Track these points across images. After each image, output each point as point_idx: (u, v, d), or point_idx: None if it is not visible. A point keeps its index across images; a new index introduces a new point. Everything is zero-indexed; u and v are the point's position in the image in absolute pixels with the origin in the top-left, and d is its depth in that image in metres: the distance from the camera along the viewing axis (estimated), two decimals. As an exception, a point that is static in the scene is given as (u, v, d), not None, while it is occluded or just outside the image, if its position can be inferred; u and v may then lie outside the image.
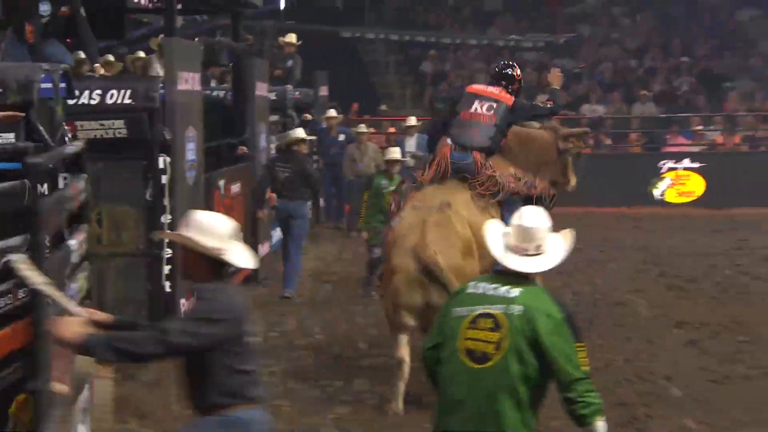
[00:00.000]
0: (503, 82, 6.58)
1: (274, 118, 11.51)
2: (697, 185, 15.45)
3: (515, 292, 3.32)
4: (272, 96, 11.18)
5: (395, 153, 9.67)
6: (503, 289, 3.34)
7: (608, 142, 17.06)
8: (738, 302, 8.75)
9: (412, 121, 14.10)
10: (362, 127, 13.10)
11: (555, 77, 7.01)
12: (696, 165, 15.45)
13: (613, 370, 6.72)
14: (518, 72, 6.67)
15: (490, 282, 3.42)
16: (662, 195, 15.61)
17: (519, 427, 3.26)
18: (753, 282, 9.62)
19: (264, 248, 10.17)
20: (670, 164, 15.61)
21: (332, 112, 12.96)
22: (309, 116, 12.93)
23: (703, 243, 12.12)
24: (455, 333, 3.36)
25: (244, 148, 9.82)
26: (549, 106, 6.77)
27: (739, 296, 9.01)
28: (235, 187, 9.25)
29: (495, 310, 3.31)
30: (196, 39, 8.75)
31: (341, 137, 13.49)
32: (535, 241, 3.39)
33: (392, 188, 9.32)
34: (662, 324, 7.96)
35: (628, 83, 18.79)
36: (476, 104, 6.39)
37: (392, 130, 14.99)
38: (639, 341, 7.43)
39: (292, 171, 9.07)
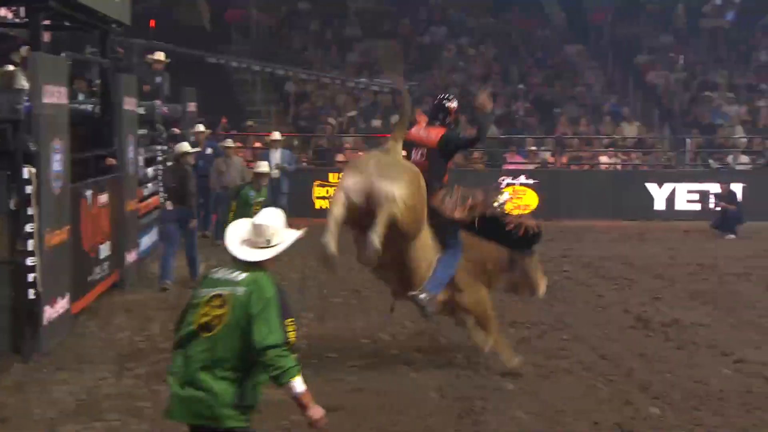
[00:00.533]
0: (440, 114, 6.65)
1: (142, 131, 11.18)
2: (531, 199, 16.13)
3: (242, 276, 3.77)
4: (141, 110, 10.86)
5: (263, 166, 9.70)
6: (233, 274, 3.80)
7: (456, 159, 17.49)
8: (563, 304, 9.16)
9: (277, 135, 14.11)
10: (229, 142, 12.92)
11: (484, 101, 6.55)
12: (531, 181, 16.12)
13: (453, 366, 6.90)
14: (453, 104, 6.66)
15: (229, 268, 3.85)
16: (502, 207, 16.16)
17: (226, 389, 3.64)
18: (577, 287, 10.10)
19: (131, 256, 9.84)
20: (509, 180, 16.23)
21: (200, 127, 12.69)
22: (177, 130, 12.61)
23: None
24: (196, 311, 3.77)
25: (112, 160, 9.49)
26: (470, 136, 6.72)
27: (564, 299, 9.41)
28: (103, 198, 8.90)
29: (224, 291, 3.75)
30: (63, 54, 8.37)
31: (209, 150, 13.26)
32: (265, 236, 3.88)
33: (260, 199, 9.32)
34: (501, 325, 8.18)
35: (472, 107, 19.38)
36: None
37: (258, 144, 14.87)
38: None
39: (178, 181, 9.52)
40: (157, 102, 12.03)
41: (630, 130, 18.48)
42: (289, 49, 21.26)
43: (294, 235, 3.97)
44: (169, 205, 9.73)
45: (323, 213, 15.71)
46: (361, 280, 10.16)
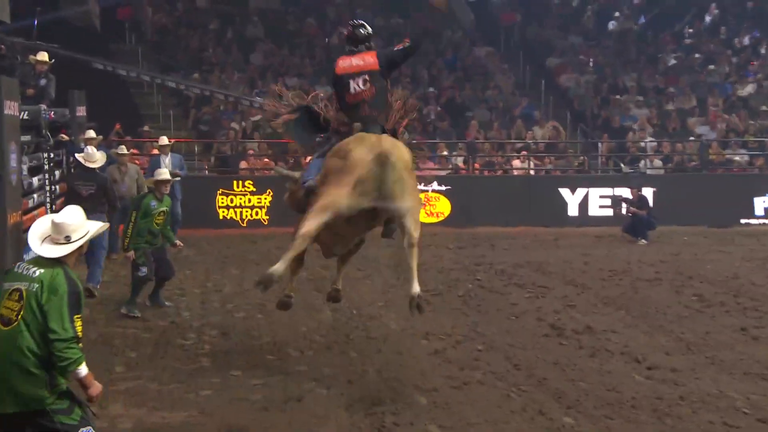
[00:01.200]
0: (365, 43, 6.62)
1: (26, 137, 10.79)
2: (444, 206, 16.34)
3: (39, 272, 4.25)
4: (24, 115, 10.48)
5: (164, 173, 9.58)
6: (32, 270, 4.27)
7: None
8: (477, 313, 9.32)
9: (164, 140, 13.95)
10: (123, 149, 12.61)
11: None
12: (443, 188, 16.33)
13: (365, 380, 6.93)
14: (369, 28, 6.70)
15: (31, 264, 4.32)
16: (413, 215, 16.33)
17: (32, 377, 4.13)
18: (490, 295, 10.29)
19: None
20: (421, 187, 16.40)
21: (91, 133, 12.32)
22: (65, 137, 12.22)
23: (448, 259, 12.82)
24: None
25: (-8, 169, 9.10)
26: (406, 45, 6.69)
27: (477, 308, 9.59)
28: (-18, 209, 8.55)
29: (22, 286, 4.24)
30: (-64, 54, 8.00)
31: (101, 158, 12.89)
32: (65, 233, 4.35)
33: (162, 209, 9.19)
34: (410, 336, 8.30)
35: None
36: (352, 84, 6.46)
37: (155, 151, 14.59)
38: (389, 352, 7.70)
39: (95, 188, 9.86)
40: (43, 106, 11.63)
41: (542, 134, 18.99)
42: (188, 50, 20.94)
43: (94, 229, 4.42)
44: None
45: (227, 223, 15.77)
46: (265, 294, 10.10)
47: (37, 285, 4.20)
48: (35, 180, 11.12)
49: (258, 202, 15.96)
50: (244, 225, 15.81)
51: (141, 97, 19.85)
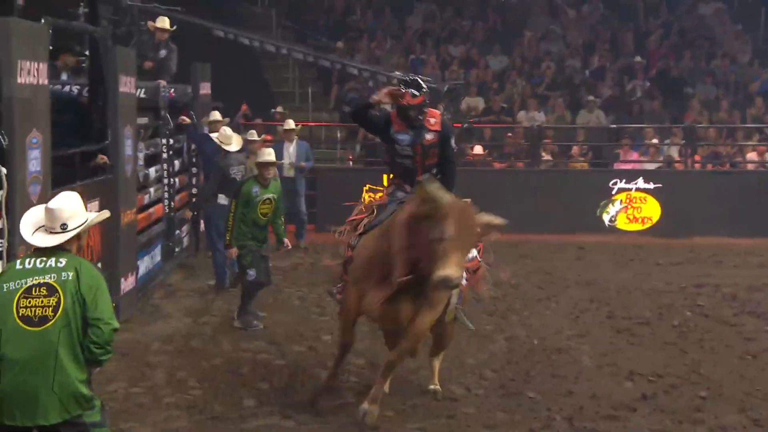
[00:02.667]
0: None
1: (143, 120, 11.38)
2: (652, 210, 15.94)
3: (62, 261, 4.68)
4: (141, 93, 11.06)
5: (269, 155, 9.96)
6: (50, 261, 4.67)
7: (547, 156, 17.45)
8: (699, 350, 9.04)
9: (291, 124, 14.35)
10: (253, 134, 13.04)
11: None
12: (651, 185, 15.94)
13: (551, 430, 6.85)
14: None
15: (36, 257, 4.71)
16: (612, 221, 16.05)
17: (78, 375, 4.62)
18: (717, 327, 9.96)
19: (128, 282, 10.00)
20: (621, 184, 16.07)
21: (216, 115, 12.87)
22: (187, 119, 12.81)
23: (659, 278, 12.51)
24: (8, 305, 4.59)
25: (105, 158, 9.67)
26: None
27: (700, 342, 9.31)
28: (92, 205, 9.08)
29: (49, 279, 4.63)
30: (43, 19, 8.52)
31: (228, 146, 13.42)
32: (60, 220, 4.74)
33: (267, 196, 9.55)
34: (610, 375, 8.16)
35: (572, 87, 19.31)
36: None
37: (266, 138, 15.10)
38: (582, 396, 7.60)
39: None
40: (162, 82, 12.23)
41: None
42: (330, 13, 21.48)
43: (93, 216, 4.88)
44: (222, 199, 10.83)
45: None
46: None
47: (71, 273, 4.64)
48: (152, 171, 11.69)
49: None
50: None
51: (273, 70, 20.57)
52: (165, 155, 12.23)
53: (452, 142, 7.34)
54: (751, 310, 10.62)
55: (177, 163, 12.85)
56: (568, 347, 9.08)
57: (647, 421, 7.10)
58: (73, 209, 4.78)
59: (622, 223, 16.04)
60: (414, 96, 7.23)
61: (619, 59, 20.19)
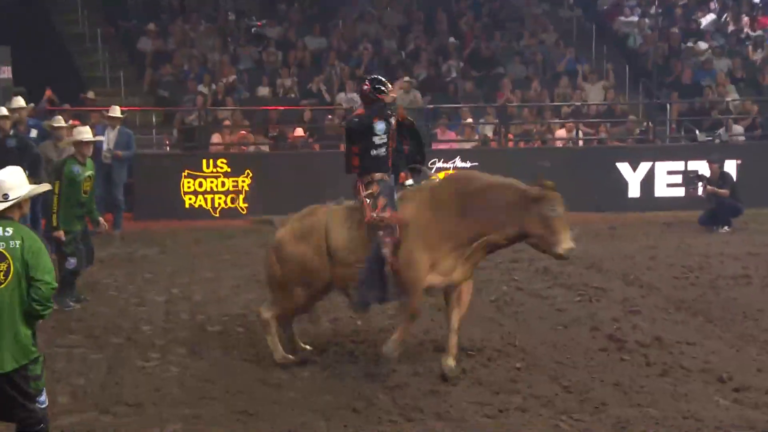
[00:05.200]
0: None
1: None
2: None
3: (9, 231, 5.46)
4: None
5: (86, 133, 9.98)
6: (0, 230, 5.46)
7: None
8: (514, 322, 9.35)
9: (117, 111, 14.06)
10: (59, 120, 12.62)
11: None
12: (468, 164, 16.30)
13: (375, 409, 7.00)
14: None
15: None
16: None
17: (26, 330, 5.50)
18: (530, 299, 10.32)
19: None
20: (440, 164, 16.41)
21: (19, 101, 12.37)
22: (-12, 106, 12.27)
23: (477, 255, 12.83)
24: None
25: None
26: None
27: (515, 315, 9.62)
28: None
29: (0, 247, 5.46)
30: None
31: (32, 133, 12.95)
32: (2, 190, 5.49)
33: (88, 173, 9.53)
34: (431, 352, 8.30)
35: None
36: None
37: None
38: (405, 374, 7.74)
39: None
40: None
41: (594, 95, 18.98)
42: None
43: (34, 188, 5.67)
44: None
45: (196, 213, 15.81)
46: (246, 301, 10.18)
47: (18, 242, 5.43)
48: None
49: (234, 186, 16.01)
50: (217, 215, 15.87)
51: (82, 54, 19.92)
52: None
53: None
54: (562, 283, 11.02)
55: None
56: (391, 327, 9.18)
57: (467, 395, 7.30)
58: (14, 181, 5.54)
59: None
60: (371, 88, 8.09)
61: (433, 40, 20.59)
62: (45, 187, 6.08)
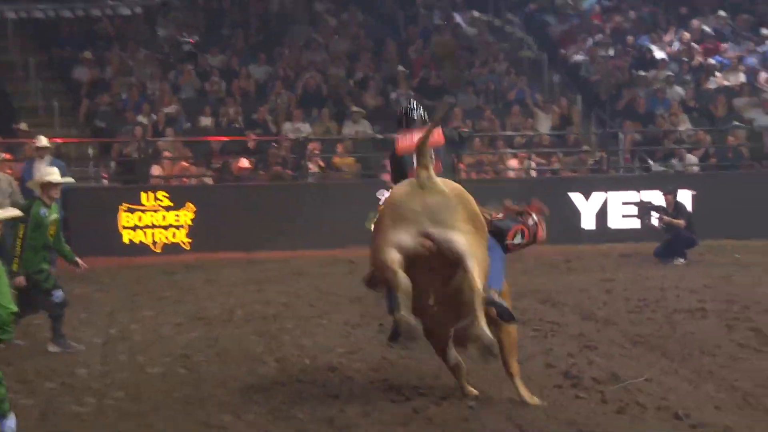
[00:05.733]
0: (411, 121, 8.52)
1: None
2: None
3: None
4: None
5: (54, 174, 9.90)
6: None
7: (314, 168, 17.65)
8: (467, 358, 9.36)
9: (43, 141, 13.95)
10: (-11, 153, 12.52)
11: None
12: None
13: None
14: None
15: None
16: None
17: None
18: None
19: None
20: (387, 194, 16.40)
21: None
22: None
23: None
24: None
25: None
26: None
27: (467, 352, 9.64)
28: None
29: None
30: None
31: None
32: None
33: (53, 216, 9.44)
34: (382, 391, 8.29)
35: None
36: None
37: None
38: (355, 414, 7.69)
39: None
40: None
41: (547, 124, 19.17)
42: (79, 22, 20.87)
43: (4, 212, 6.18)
44: None
45: (136, 249, 15.65)
46: (189, 340, 10.09)
47: None
48: None
49: (176, 221, 15.91)
50: (158, 251, 15.74)
51: (14, 83, 19.72)
52: None
53: None
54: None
55: None
56: (340, 365, 9.17)
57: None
58: None
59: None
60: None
61: (382, 68, 20.70)
62: (13, 212, 6.47)
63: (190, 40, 19.97)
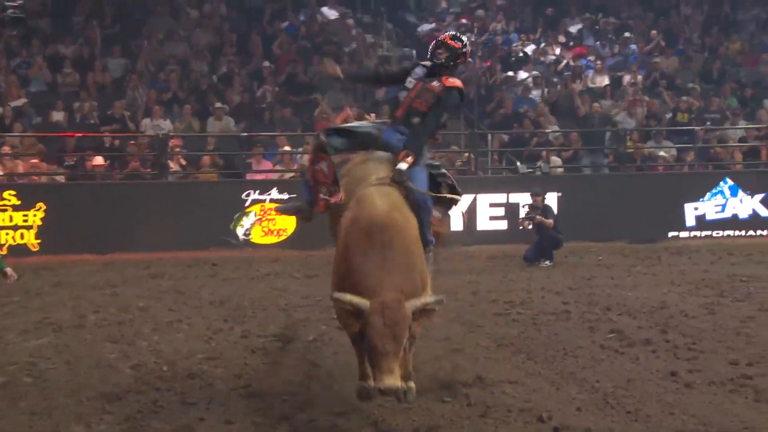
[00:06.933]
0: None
1: None
2: (287, 222, 16.35)
3: None
4: None
5: None
6: None
7: (175, 167, 17.41)
8: (334, 364, 9.38)
9: None
10: None
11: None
12: (285, 196, 16.31)
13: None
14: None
15: None
16: (247, 234, 16.28)
17: None
18: (348, 339, 10.36)
19: None
20: (255, 195, 16.35)
21: None
22: None
23: (294, 292, 12.90)
24: None
25: None
26: None
27: (335, 356, 9.66)
28: None
29: None
30: None
31: None
32: None
33: None
34: (245, 398, 8.26)
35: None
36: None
37: None
38: (215, 422, 7.64)
39: None
40: None
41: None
42: None
43: None
44: None
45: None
46: (36, 347, 9.86)
47: None
48: None
49: (24, 221, 15.49)
50: (4, 252, 15.29)
51: None
52: None
53: (445, 111, 8.08)
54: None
55: None
56: (200, 371, 9.08)
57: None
58: None
59: (257, 237, 16.34)
60: (458, 42, 8.09)
61: (247, 64, 20.54)
62: None
63: (14, 4, 19.27)
